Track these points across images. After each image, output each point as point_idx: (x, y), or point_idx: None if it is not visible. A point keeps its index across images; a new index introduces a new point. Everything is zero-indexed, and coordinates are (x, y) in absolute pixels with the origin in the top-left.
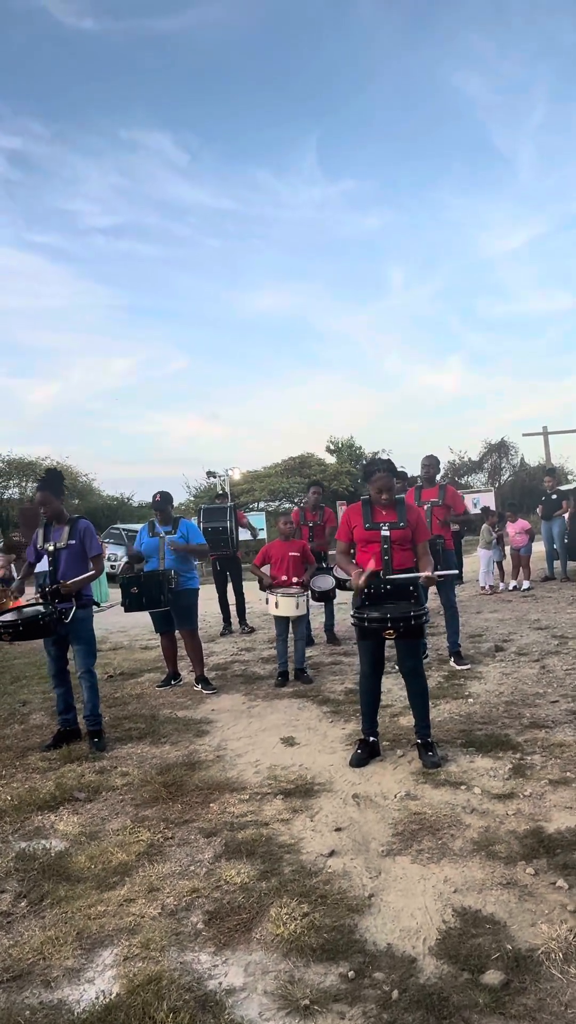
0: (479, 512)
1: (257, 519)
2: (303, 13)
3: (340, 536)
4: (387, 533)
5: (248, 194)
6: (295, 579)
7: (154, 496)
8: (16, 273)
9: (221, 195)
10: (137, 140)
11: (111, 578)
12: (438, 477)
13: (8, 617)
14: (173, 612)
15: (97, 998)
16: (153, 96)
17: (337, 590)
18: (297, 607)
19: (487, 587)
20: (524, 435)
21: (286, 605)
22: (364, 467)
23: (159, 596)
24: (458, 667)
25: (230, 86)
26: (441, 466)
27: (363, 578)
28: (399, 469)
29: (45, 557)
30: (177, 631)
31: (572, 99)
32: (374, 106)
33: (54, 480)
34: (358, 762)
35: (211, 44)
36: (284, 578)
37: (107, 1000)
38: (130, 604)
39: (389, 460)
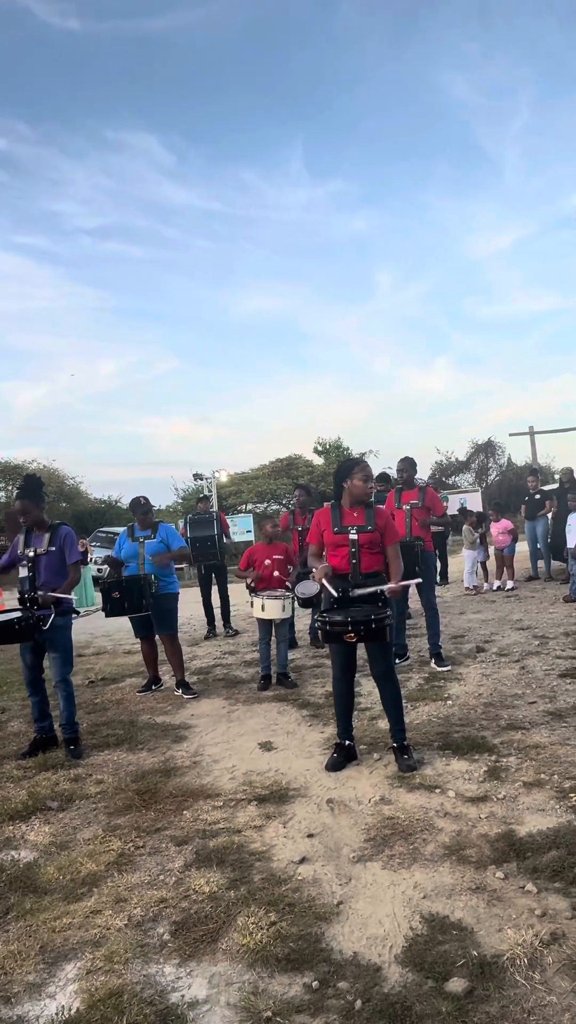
0: (457, 513)
1: (244, 521)
2: (289, 15)
3: (311, 539)
4: (355, 536)
5: (236, 195)
6: (279, 582)
7: (134, 500)
8: (3, 275)
9: (209, 196)
10: (123, 141)
11: (97, 582)
12: (426, 478)
13: None
14: (153, 616)
15: (57, 1013)
16: (139, 97)
17: (322, 595)
18: (283, 610)
19: (471, 587)
20: (511, 435)
21: (272, 608)
22: (339, 467)
23: (140, 601)
24: (439, 668)
25: (216, 87)
26: (428, 466)
27: (324, 572)
28: (383, 471)
29: (23, 562)
30: (157, 636)
31: (557, 101)
32: (360, 107)
33: (33, 487)
34: (334, 766)
35: (197, 45)
36: (268, 581)
37: (67, 1016)
38: (111, 609)
39: (364, 461)
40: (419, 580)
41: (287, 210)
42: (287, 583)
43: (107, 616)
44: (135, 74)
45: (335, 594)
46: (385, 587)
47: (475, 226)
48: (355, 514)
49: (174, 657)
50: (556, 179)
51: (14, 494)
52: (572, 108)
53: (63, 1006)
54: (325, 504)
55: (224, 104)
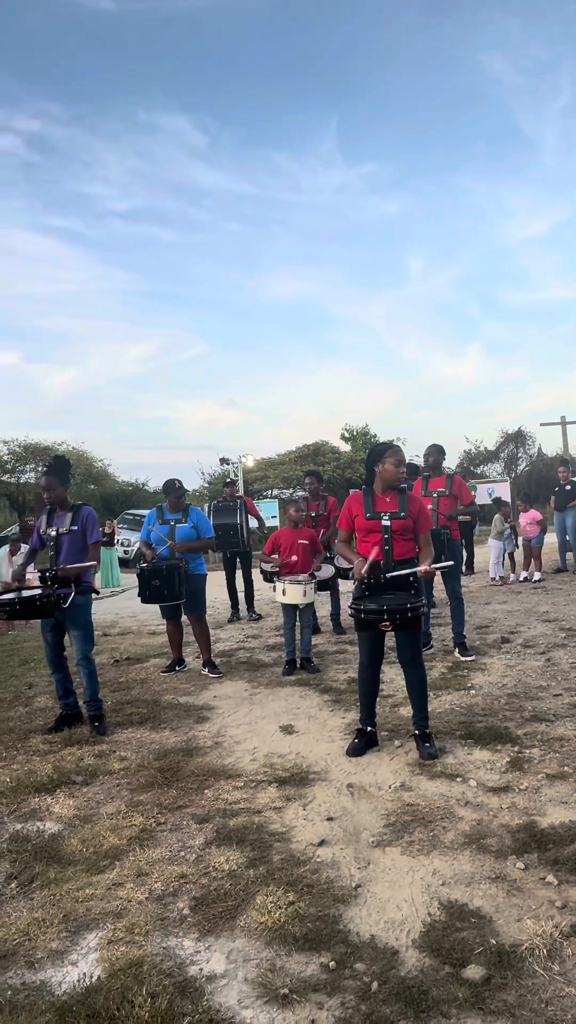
0: (491, 502)
1: (270, 506)
2: None
3: (341, 524)
4: (388, 523)
5: (267, 178)
6: (303, 566)
7: (169, 481)
8: (35, 258)
9: (240, 179)
10: (155, 122)
11: (124, 563)
12: (454, 466)
13: (6, 596)
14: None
15: (79, 980)
16: (172, 78)
17: (338, 579)
18: (305, 595)
19: (497, 578)
20: (542, 424)
21: (294, 592)
22: (370, 451)
23: (179, 588)
24: (462, 658)
25: (249, 68)
26: (456, 455)
27: (365, 568)
28: (409, 461)
29: (40, 542)
30: (185, 617)
31: None
32: (395, 87)
33: (61, 467)
34: (355, 751)
35: (230, 25)
36: (293, 565)
37: (88, 983)
38: (150, 595)
39: (396, 446)
40: (451, 563)
41: (319, 193)
42: (312, 569)
43: (144, 602)
44: (168, 54)
45: (366, 581)
46: (416, 569)
47: (510, 210)
48: (388, 499)
49: (202, 637)
50: None
51: (41, 471)
52: None
53: (85, 973)
54: (353, 490)
55: (257, 84)
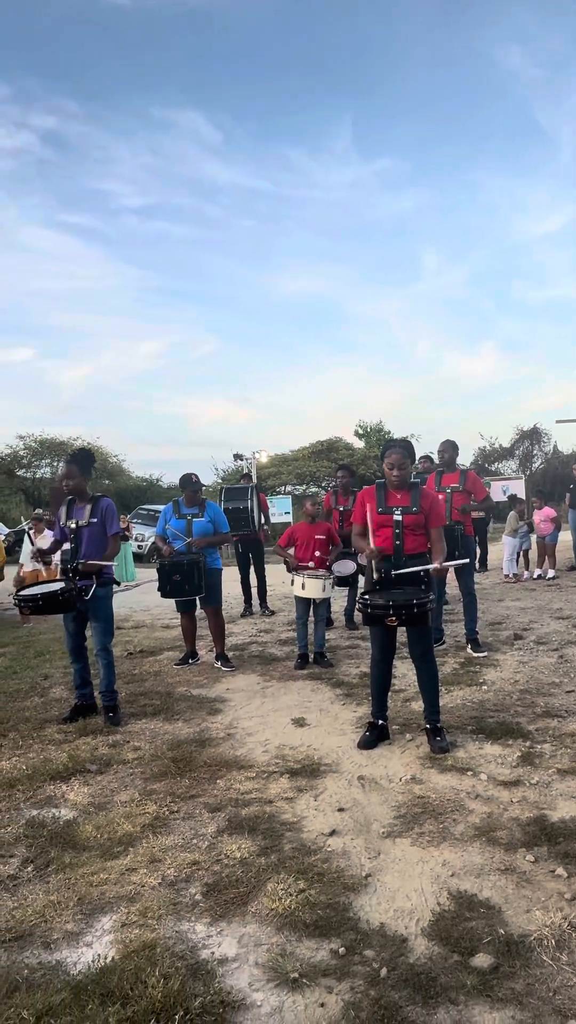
0: (507, 500)
1: (283, 502)
2: None
3: (355, 519)
4: (399, 518)
5: (281, 174)
6: (320, 561)
7: (186, 476)
8: (49, 254)
9: (254, 175)
10: (170, 119)
11: (138, 558)
12: (468, 463)
13: (30, 591)
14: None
15: (93, 961)
16: (186, 74)
17: (359, 575)
18: (324, 589)
19: (511, 575)
20: (557, 422)
21: (312, 587)
22: (383, 447)
23: (200, 583)
24: (475, 654)
25: (263, 63)
26: (471, 453)
27: (372, 555)
28: (426, 454)
29: (62, 534)
30: (200, 610)
31: None
32: (410, 82)
33: (83, 458)
34: (366, 744)
35: (245, 20)
36: (309, 560)
37: (103, 963)
38: (171, 590)
39: (408, 441)
40: (466, 561)
41: (333, 189)
42: (328, 564)
43: (164, 596)
44: (183, 50)
45: (375, 576)
46: (430, 566)
47: (526, 206)
48: (399, 495)
49: (217, 630)
50: None
51: (60, 465)
52: None
53: (99, 955)
54: (367, 487)
55: (272, 80)
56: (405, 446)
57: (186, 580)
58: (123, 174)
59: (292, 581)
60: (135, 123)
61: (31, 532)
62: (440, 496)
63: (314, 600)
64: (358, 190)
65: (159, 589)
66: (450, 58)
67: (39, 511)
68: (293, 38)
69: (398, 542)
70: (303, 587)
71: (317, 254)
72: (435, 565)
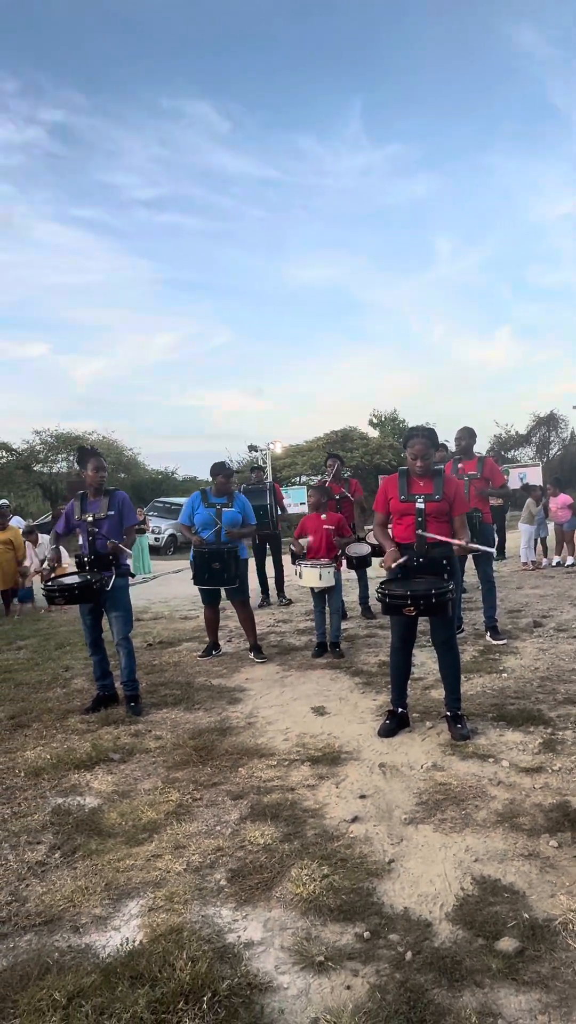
0: (521, 488)
1: (298, 493)
2: None
3: (377, 507)
4: (422, 505)
5: (291, 162)
6: (327, 552)
7: (219, 463)
8: (61, 249)
9: (264, 164)
10: (178, 109)
11: (154, 550)
12: (484, 451)
13: (63, 581)
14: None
15: (121, 944)
16: (194, 64)
17: (372, 557)
18: (320, 578)
19: (529, 562)
20: (575, 407)
21: (308, 576)
22: (405, 434)
23: (235, 573)
24: (494, 642)
25: (271, 50)
26: (486, 440)
27: (394, 562)
28: (441, 442)
29: (80, 528)
30: (223, 602)
31: None
32: (421, 65)
33: (101, 455)
34: (386, 732)
35: (250, 7)
36: (320, 551)
37: (131, 947)
38: (209, 578)
39: (431, 428)
40: (491, 550)
41: (344, 176)
42: (337, 553)
43: (199, 584)
44: (189, 40)
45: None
46: (455, 542)
47: (541, 188)
48: (422, 483)
49: (247, 622)
50: None
51: (76, 460)
52: None
53: (127, 938)
54: (382, 476)
55: (280, 67)
56: (428, 434)
57: (225, 569)
58: (132, 166)
59: (296, 572)
60: (143, 115)
61: (25, 545)
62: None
63: (323, 590)
64: (369, 176)
65: (194, 577)
66: (460, 39)
67: (29, 523)
68: (300, 24)
69: (419, 531)
70: (300, 576)
71: (329, 242)
72: (460, 542)
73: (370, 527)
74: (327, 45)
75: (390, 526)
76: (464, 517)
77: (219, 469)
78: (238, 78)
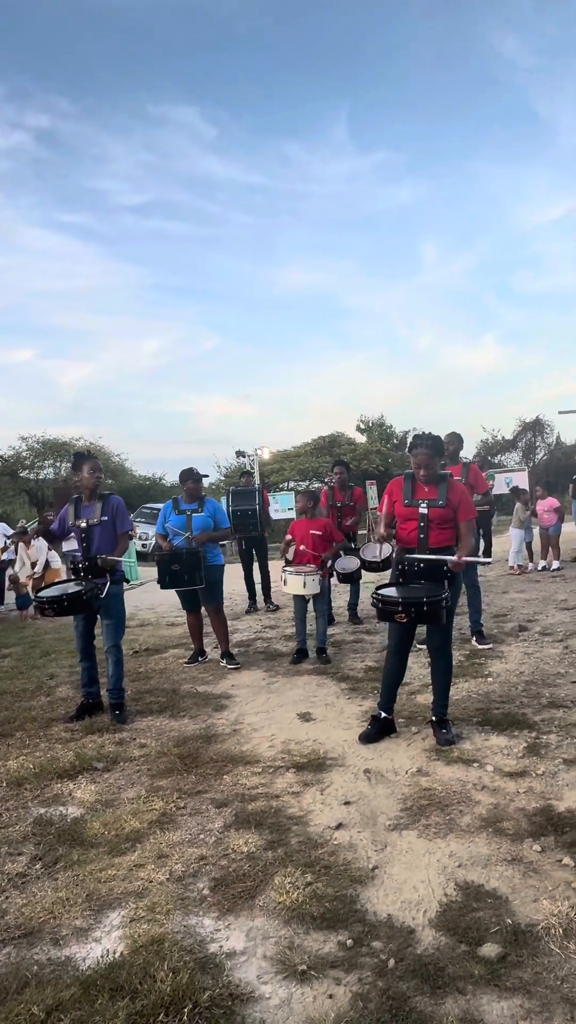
0: (509, 492)
1: (285, 499)
2: None
3: (382, 509)
4: (424, 511)
5: (278, 168)
6: (314, 558)
7: (187, 470)
8: (48, 254)
9: (251, 170)
10: (165, 115)
11: (142, 556)
12: (471, 456)
13: (52, 592)
14: (200, 589)
15: (102, 956)
16: (180, 69)
17: (363, 571)
18: (304, 586)
19: (516, 567)
20: (560, 413)
21: (292, 583)
22: (411, 442)
23: (198, 574)
24: (479, 646)
25: (258, 56)
26: (473, 445)
27: (384, 544)
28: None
29: (74, 533)
30: (203, 608)
31: None
32: (406, 72)
33: (96, 458)
34: (367, 738)
35: (238, 13)
36: (306, 556)
37: (111, 958)
38: (170, 580)
39: (436, 437)
40: (489, 560)
41: (330, 182)
42: (325, 560)
43: (163, 588)
44: (176, 46)
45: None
46: (449, 558)
47: (526, 195)
48: (427, 488)
49: (220, 628)
50: None
51: (71, 465)
52: None
53: (108, 950)
54: (368, 481)
55: (266, 73)
56: (432, 444)
57: (185, 570)
58: (119, 172)
59: (282, 579)
60: (129, 120)
61: (24, 548)
62: None
63: (309, 596)
64: (356, 183)
65: (158, 580)
66: (446, 48)
67: (22, 523)
68: (286, 30)
69: (422, 535)
70: (285, 583)
71: (316, 248)
72: (453, 558)
73: (362, 532)
74: (313, 52)
75: (394, 525)
76: (471, 523)
77: (187, 475)
78: (224, 84)
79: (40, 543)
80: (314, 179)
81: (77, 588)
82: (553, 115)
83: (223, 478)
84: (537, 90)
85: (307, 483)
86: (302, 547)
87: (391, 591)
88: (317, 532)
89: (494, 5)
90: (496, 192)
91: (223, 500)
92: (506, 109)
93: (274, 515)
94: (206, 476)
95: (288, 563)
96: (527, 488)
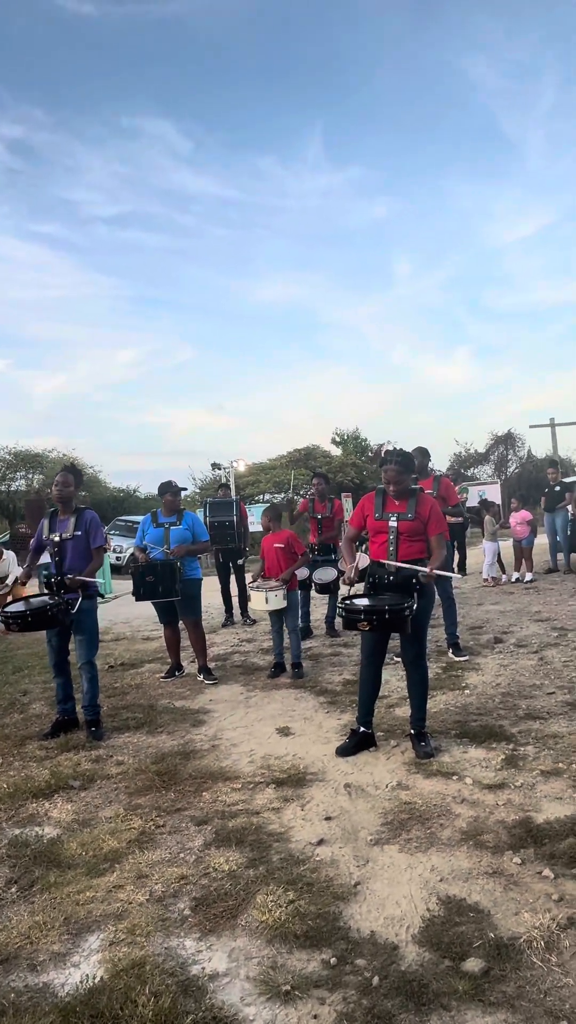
0: (480, 503)
1: (260, 511)
2: None
3: (352, 522)
4: (395, 524)
5: (252, 183)
6: (277, 572)
7: (165, 482)
8: (20, 264)
9: (226, 184)
10: (139, 127)
11: (116, 570)
12: (444, 468)
13: (17, 608)
14: (177, 602)
15: (81, 982)
16: (155, 83)
17: (340, 583)
18: (267, 602)
19: (490, 578)
20: (531, 427)
21: (256, 599)
22: (381, 458)
23: (173, 586)
24: (456, 658)
25: (234, 72)
26: (446, 458)
27: (353, 575)
28: (422, 447)
29: (48, 547)
30: (181, 621)
31: None
32: (380, 91)
33: (78, 472)
34: (344, 752)
35: (214, 29)
36: (273, 571)
37: (91, 984)
38: (144, 592)
39: (405, 454)
40: (457, 575)
41: (305, 197)
42: (281, 576)
43: (138, 600)
44: (151, 59)
45: (349, 586)
46: (421, 570)
47: (496, 213)
48: (397, 502)
49: (198, 643)
50: None
51: (36, 478)
52: None
53: (87, 975)
54: (344, 493)
55: (241, 89)
56: (402, 460)
57: (159, 582)
58: (93, 183)
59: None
60: (104, 132)
61: None
62: None
63: (277, 611)
64: (330, 198)
65: (133, 592)
66: (418, 68)
67: (22, 528)
68: (261, 47)
69: (391, 548)
70: (249, 599)
71: (291, 261)
72: (425, 569)
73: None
74: (288, 69)
75: (366, 537)
76: (441, 536)
77: (166, 488)
78: (199, 98)
79: (10, 555)
80: (289, 194)
81: (42, 603)
82: (521, 137)
83: (198, 490)
84: (505, 112)
85: (283, 496)
86: (275, 572)
87: (356, 601)
88: (280, 545)
89: (464, 29)
90: (467, 209)
91: (200, 511)
92: (476, 130)
93: (251, 527)
94: (184, 489)
95: (253, 579)
96: (498, 501)
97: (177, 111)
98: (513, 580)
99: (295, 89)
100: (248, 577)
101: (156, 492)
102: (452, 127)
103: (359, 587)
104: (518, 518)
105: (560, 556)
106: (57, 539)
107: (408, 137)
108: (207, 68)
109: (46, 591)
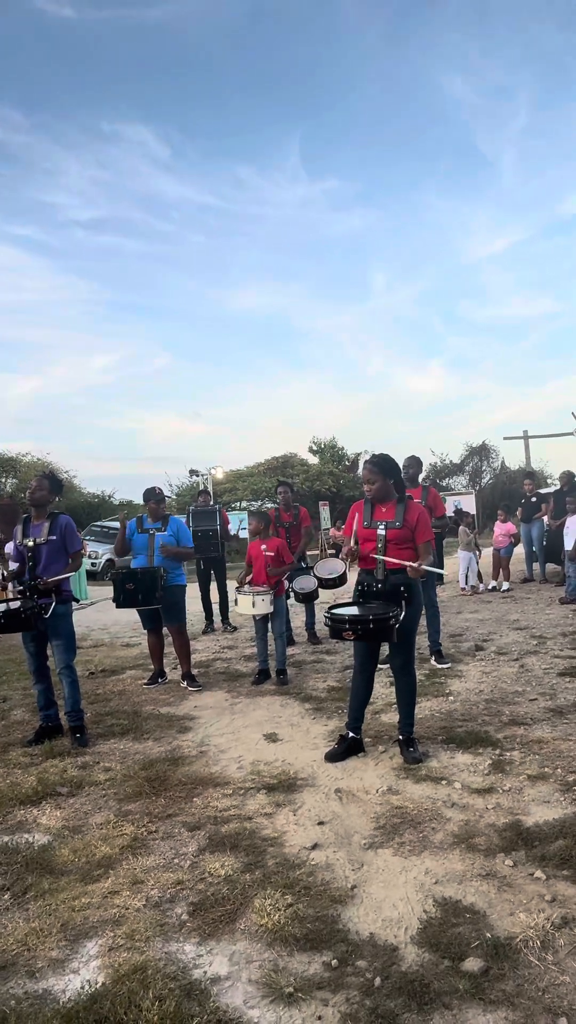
0: (455, 513)
1: (236, 518)
2: (288, 9)
3: (347, 532)
4: (383, 532)
5: (231, 191)
6: (266, 578)
7: (150, 489)
8: None
9: (204, 191)
10: (118, 133)
11: (91, 575)
12: (420, 478)
13: None
14: (161, 609)
15: (83, 987)
16: (135, 89)
17: (320, 590)
18: (254, 606)
19: (468, 587)
20: (505, 439)
21: (242, 603)
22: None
23: (153, 593)
24: (439, 666)
25: (213, 81)
26: (423, 468)
27: (350, 554)
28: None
29: (22, 551)
30: (164, 628)
31: (555, 104)
32: (358, 105)
33: (56, 480)
34: (332, 757)
35: (195, 37)
36: (260, 577)
37: (93, 989)
38: (124, 600)
39: (382, 456)
40: (443, 571)
41: (283, 207)
42: (271, 581)
43: (118, 607)
44: (131, 65)
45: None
46: (408, 563)
47: (471, 228)
48: (385, 509)
49: (182, 649)
50: (553, 182)
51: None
52: (570, 111)
53: (88, 980)
54: (321, 502)
55: (221, 98)
56: (376, 461)
57: (140, 589)
58: (70, 187)
59: (233, 599)
60: (82, 136)
61: None
62: None
63: (267, 616)
64: (308, 208)
65: (113, 599)
66: (395, 83)
67: None
68: (242, 57)
69: (375, 555)
70: (236, 603)
71: (269, 270)
72: (412, 564)
73: (314, 552)
74: (267, 79)
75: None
76: (428, 544)
77: (150, 495)
78: (179, 106)
79: None
80: (267, 202)
81: (14, 606)
82: (496, 154)
83: (174, 497)
84: (481, 129)
85: (259, 503)
86: (263, 578)
87: (342, 610)
88: (270, 553)
89: (442, 47)
90: (442, 224)
91: (182, 517)
92: (452, 146)
93: (232, 531)
94: (169, 497)
95: (240, 584)
96: (473, 511)
97: (157, 117)
98: (490, 588)
99: (274, 100)
100: (233, 583)
101: (130, 497)
102: (428, 142)
103: (341, 591)
104: (503, 530)
105: (536, 566)
106: (31, 544)
107: (384, 151)
108: (187, 76)
109: (19, 596)
